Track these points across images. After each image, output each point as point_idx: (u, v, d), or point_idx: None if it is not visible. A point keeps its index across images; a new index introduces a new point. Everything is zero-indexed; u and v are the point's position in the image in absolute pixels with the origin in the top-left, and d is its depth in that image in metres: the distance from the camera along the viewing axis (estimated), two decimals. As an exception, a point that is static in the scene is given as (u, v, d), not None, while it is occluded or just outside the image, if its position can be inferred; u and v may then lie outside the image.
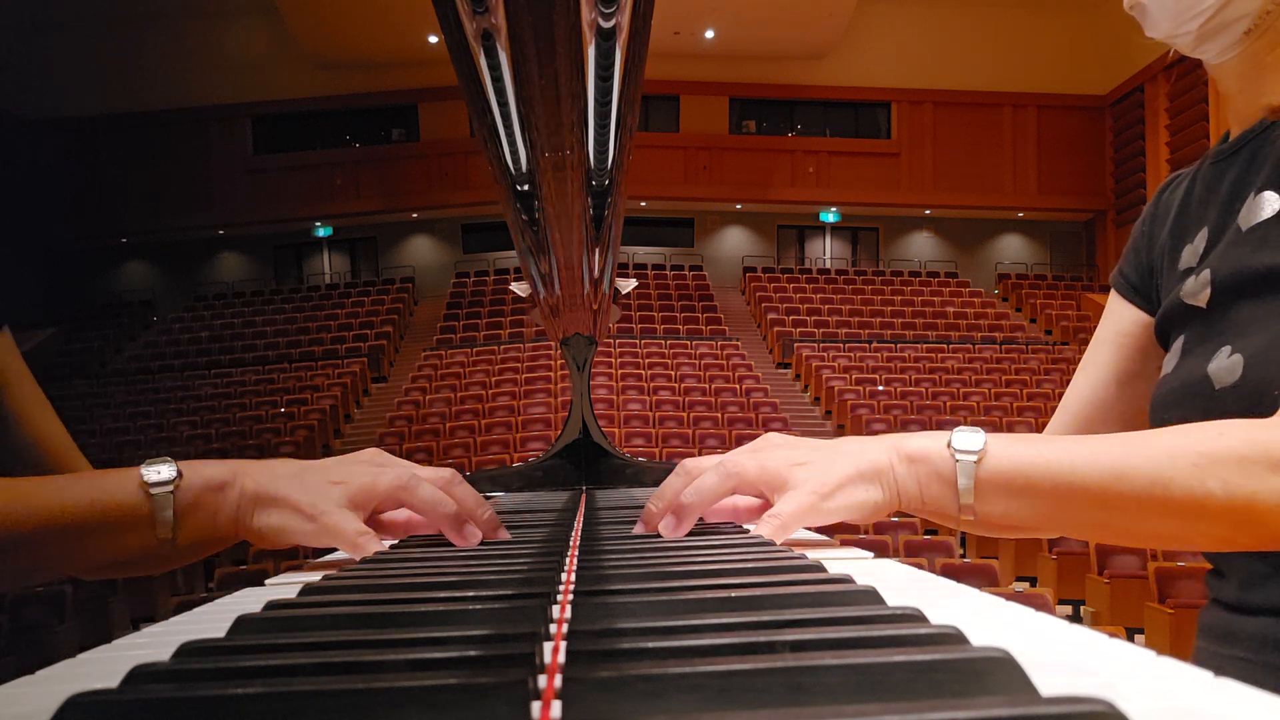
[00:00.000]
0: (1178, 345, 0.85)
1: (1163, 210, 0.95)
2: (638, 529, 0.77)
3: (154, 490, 0.68)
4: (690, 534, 0.75)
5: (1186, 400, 0.79)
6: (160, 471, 0.69)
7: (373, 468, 0.75)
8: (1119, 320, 0.98)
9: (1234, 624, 0.78)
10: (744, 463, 0.72)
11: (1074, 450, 0.68)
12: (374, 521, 0.76)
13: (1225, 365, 0.75)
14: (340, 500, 0.71)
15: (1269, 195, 0.77)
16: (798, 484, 0.70)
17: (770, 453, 0.73)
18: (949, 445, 0.69)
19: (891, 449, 0.71)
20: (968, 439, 0.69)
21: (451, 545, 0.74)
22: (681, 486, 0.73)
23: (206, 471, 0.70)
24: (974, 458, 0.68)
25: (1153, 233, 0.96)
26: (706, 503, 0.72)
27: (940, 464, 0.69)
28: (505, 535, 0.76)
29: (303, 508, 0.70)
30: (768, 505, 0.74)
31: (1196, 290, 0.82)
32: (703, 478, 0.72)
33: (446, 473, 0.76)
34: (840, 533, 5.74)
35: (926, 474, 0.69)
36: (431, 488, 0.72)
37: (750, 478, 0.72)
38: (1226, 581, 0.79)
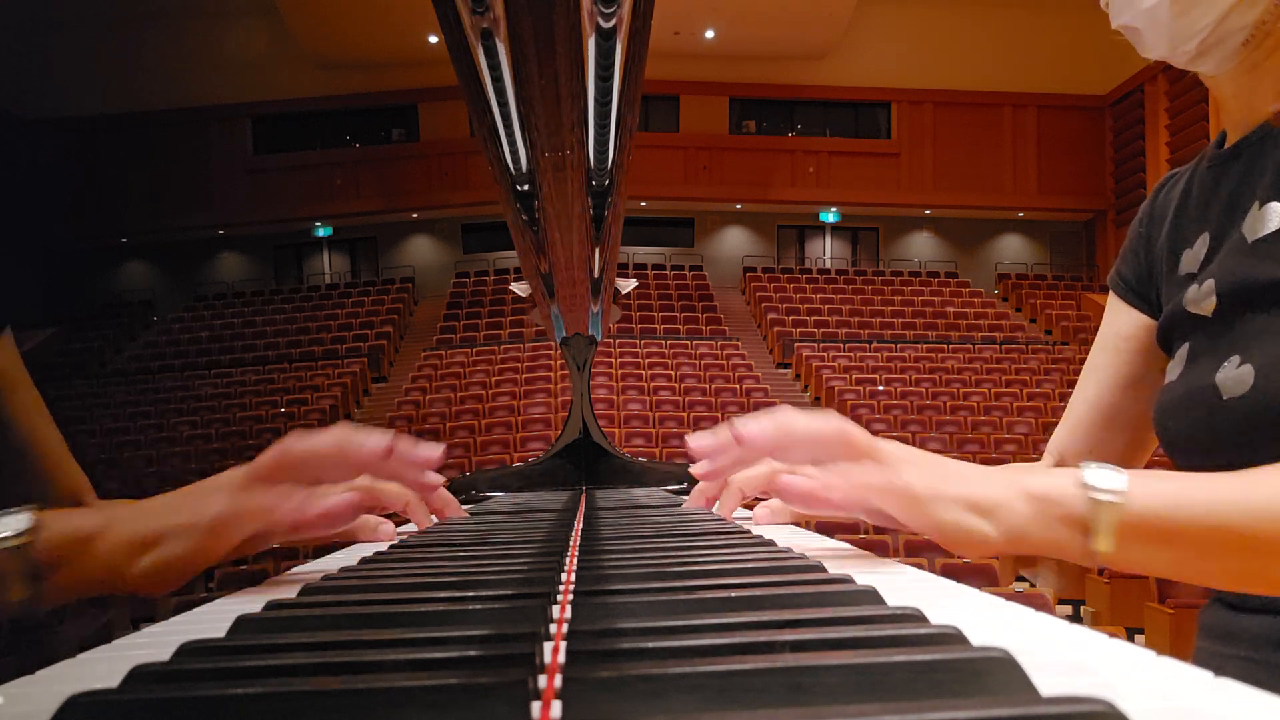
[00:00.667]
0: (1182, 353, 0.84)
1: (1159, 211, 0.95)
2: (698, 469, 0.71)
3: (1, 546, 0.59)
4: (690, 535, 0.74)
5: (1192, 409, 0.79)
6: (7, 526, 0.59)
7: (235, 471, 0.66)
8: (1119, 324, 0.98)
9: (1236, 623, 0.78)
10: (853, 431, 0.66)
11: (1217, 489, 0.62)
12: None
13: (1234, 375, 0.75)
14: (228, 494, 0.63)
15: (1276, 207, 0.76)
16: (911, 479, 0.64)
17: (883, 449, 0.66)
18: (1083, 484, 0.62)
19: (1011, 485, 0.64)
20: (1104, 477, 0.62)
21: (451, 545, 0.74)
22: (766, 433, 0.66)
23: (73, 522, 0.63)
24: (1113, 498, 0.61)
25: (1150, 234, 0.95)
26: (799, 448, 0.66)
27: (1072, 506, 0.62)
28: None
29: (183, 523, 0.62)
30: (854, 513, 0.68)
31: (1200, 299, 0.81)
32: (815, 422, 0.66)
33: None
34: (840, 533, 5.74)
35: (1054, 516, 0.62)
36: (316, 437, 0.65)
37: (860, 446, 0.66)
38: None
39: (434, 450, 0.69)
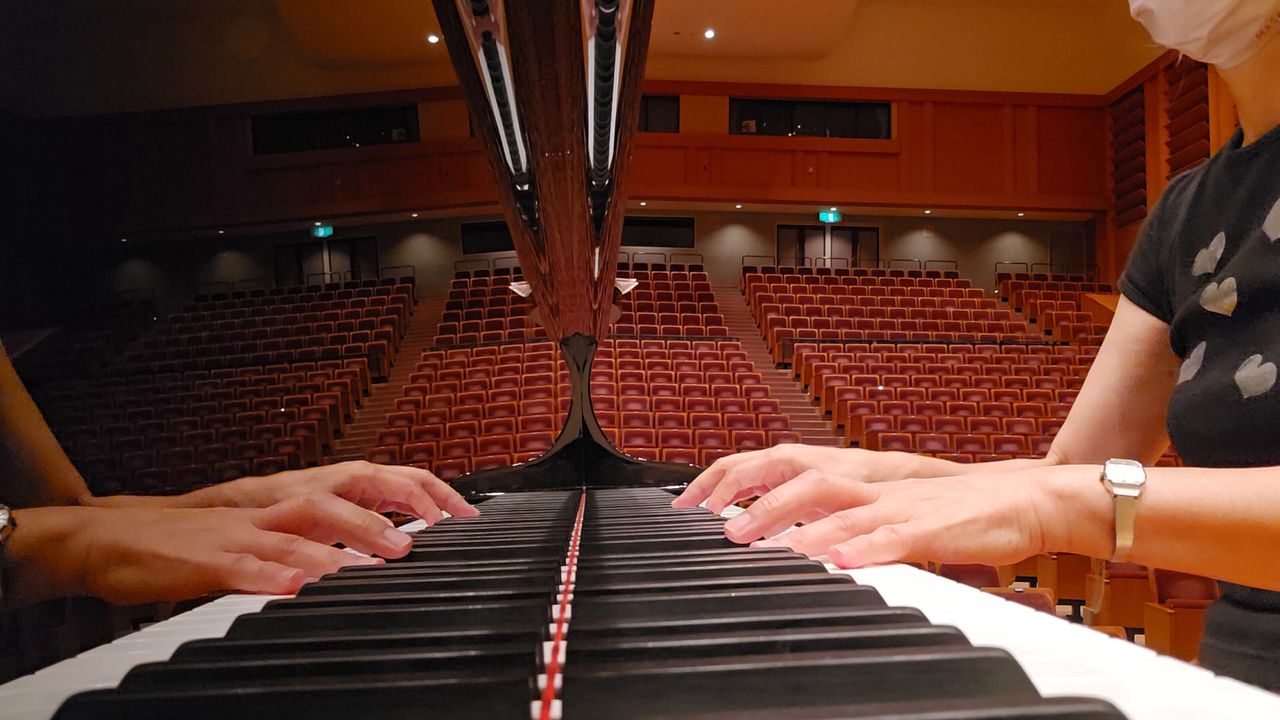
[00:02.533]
0: (1198, 352, 0.83)
1: (1170, 212, 0.94)
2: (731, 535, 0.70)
3: None
4: (690, 535, 0.74)
5: (1211, 408, 0.78)
6: None
7: (245, 523, 0.64)
8: (1128, 326, 0.97)
9: (1245, 621, 0.77)
10: (864, 492, 0.66)
11: (1243, 484, 0.62)
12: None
13: (1255, 374, 0.74)
14: (212, 547, 0.61)
15: None
16: (921, 516, 0.63)
17: (889, 496, 0.66)
18: (1103, 479, 0.63)
19: (1033, 485, 0.64)
20: (1125, 472, 0.63)
21: (451, 545, 0.74)
22: (800, 498, 0.68)
23: (47, 520, 0.62)
24: (1135, 493, 0.62)
25: (1161, 236, 0.94)
26: (780, 515, 0.67)
27: (1095, 501, 0.63)
28: (395, 541, 0.69)
29: (166, 554, 0.60)
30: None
31: (1219, 297, 0.80)
32: (782, 487, 0.67)
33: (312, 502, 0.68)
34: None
35: (1077, 512, 0.63)
36: (314, 546, 0.64)
37: (844, 491, 0.66)
38: None
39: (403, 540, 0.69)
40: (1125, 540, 0.62)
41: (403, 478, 0.92)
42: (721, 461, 0.94)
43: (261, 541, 0.62)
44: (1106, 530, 0.63)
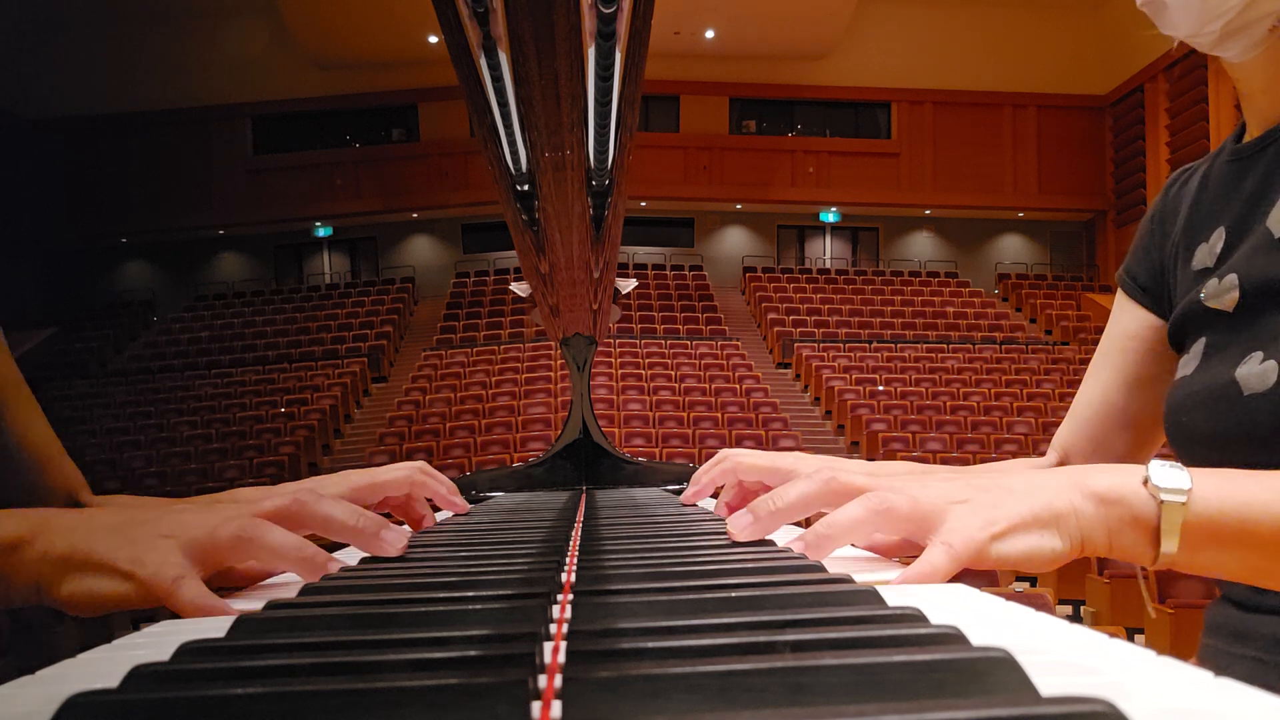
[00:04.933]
0: (1198, 348, 0.82)
1: (1171, 207, 0.93)
2: (733, 532, 0.68)
3: None
4: (690, 535, 0.74)
5: (1210, 404, 0.77)
6: None
7: (215, 513, 0.60)
8: (1127, 323, 0.96)
9: (1246, 623, 0.76)
10: (893, 499, 0.60)
11: None
12: (229, 573, 0.66)
13: (1257, 371, 0.73)
14: (169, 555, 0.57)
15: None
16: (959, 519, 0.58)
17: (925, 487, 0.61)
18: (1147, 483, 0.59)
19: (1073, 488, 0.60)
20: (1172, 476, 0.59)
21: (451, 545, 0.74)
22: (806, 497, 0.64)
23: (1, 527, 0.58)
24: (1183, 499, 0.58)
25: (1163, 231, 0.93)
26: (842, 539, 0.61)
27: (1140, 507, 0.59)
28: (393, 543, 0.67)
29: (119, 565, 0.56)
30: (908, 544, 0.65)
31: (1220, 293, 0.79)
32: (846, 508, 0.60)
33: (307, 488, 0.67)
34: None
35: (1120, 518, 0.59)
36: (280, 532, 0.60)
37: (901, 514, 0.59)
38: None
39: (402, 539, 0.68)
40: (1170, 547, 0.58)
41: (400, 479, 0.88)
42: (723, 452, 0.92)
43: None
44: (1150, 538, 0.59)
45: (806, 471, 0.67)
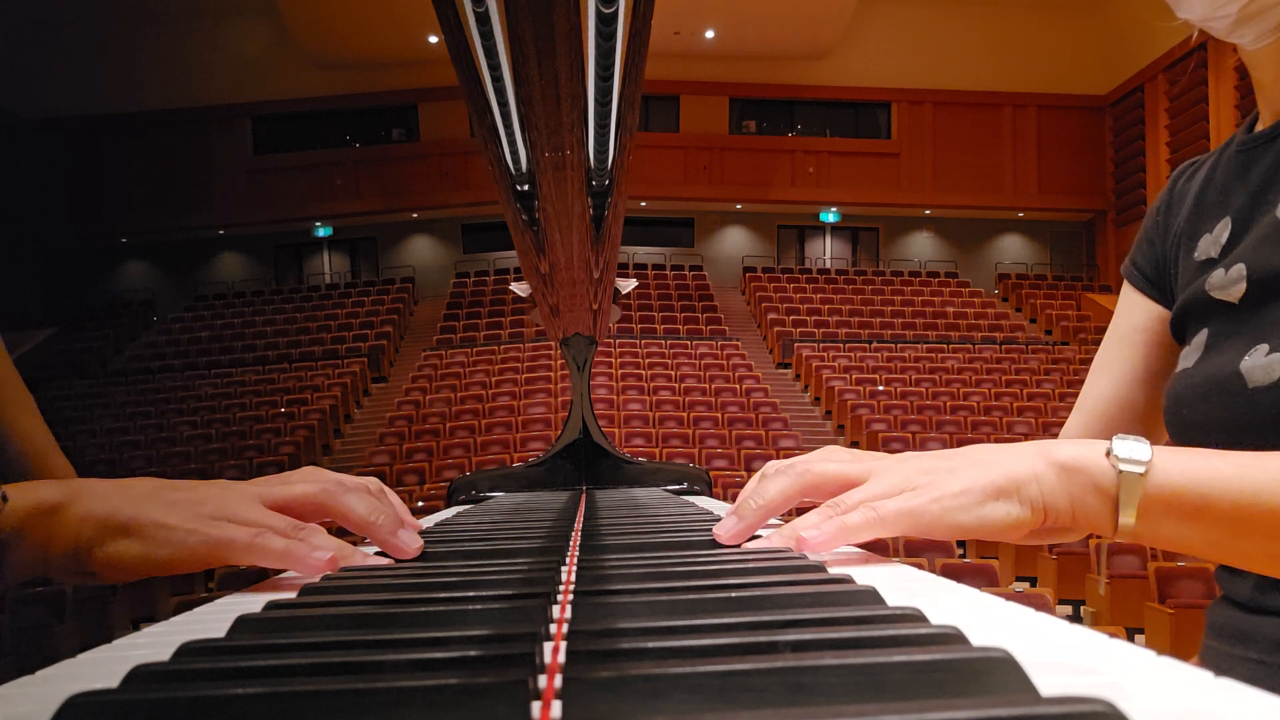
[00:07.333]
0: (1200, 339, 0.81)
1: (1178, 198, 0.92)
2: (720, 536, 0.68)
3: None
4: (690, 535, 0.74)
5: (1213, 396, 0.76)
6: None
7: (252, 500, 0.61)
8: (1133, 315, 0.95)
9: (1248, 624, 0.76)
10: (822, 468, 0.63)
11: (1257, 467, 0.59)
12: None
13: (1262, 364, 0.72)
14: (217, 519, 0.58)
15: None
16: (914, 490, 0.60)
17: (882, 475, 0.62)
18: (1109, 454, 0.60)
19: (1037, 456, 0.61)
20: (1132, 448, 0.60)
21: (451, 545, 0.74)
22: (786, 492, 0.66)
23: (37, 493, 0.59)
24: (1141, 469, 0.59)
25: (1168, 222, 0.92)
26: (774, 509, 0.63)
27: (1100, 476, 0.60)
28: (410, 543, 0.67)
29: (171, 523, 0.57)
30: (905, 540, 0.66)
31: (1227, 285, 0.78)
32: (775, 480, 0.63)
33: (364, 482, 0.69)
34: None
35: (1081, 486, 0.60)
36: (357, 497, 0.63)
37: (830, 483, 0.62)
38: (1241, 579, 0.76)
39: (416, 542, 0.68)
40: (1128, 519, 0.59)
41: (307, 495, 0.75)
42: (786, 463, 0.83)
43: (270, 523, 0.59)
44: (1111, 508, 0.60)
45: (880, 469, 0.66)
